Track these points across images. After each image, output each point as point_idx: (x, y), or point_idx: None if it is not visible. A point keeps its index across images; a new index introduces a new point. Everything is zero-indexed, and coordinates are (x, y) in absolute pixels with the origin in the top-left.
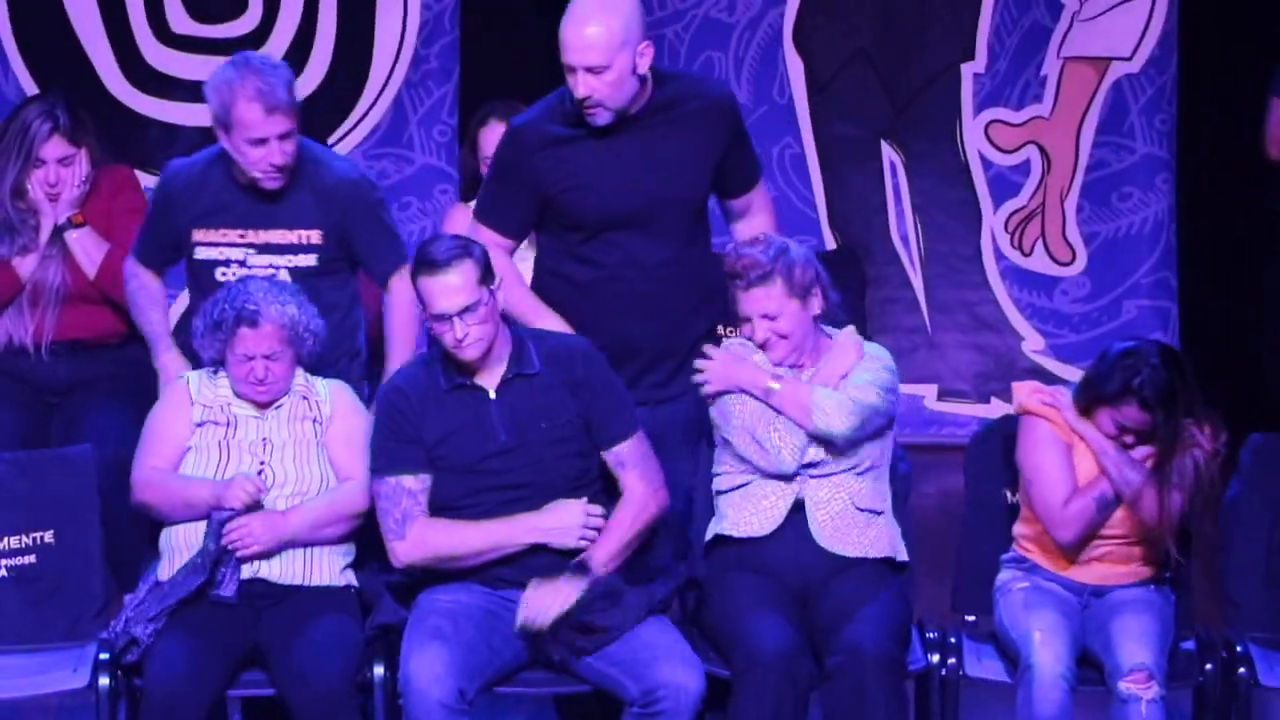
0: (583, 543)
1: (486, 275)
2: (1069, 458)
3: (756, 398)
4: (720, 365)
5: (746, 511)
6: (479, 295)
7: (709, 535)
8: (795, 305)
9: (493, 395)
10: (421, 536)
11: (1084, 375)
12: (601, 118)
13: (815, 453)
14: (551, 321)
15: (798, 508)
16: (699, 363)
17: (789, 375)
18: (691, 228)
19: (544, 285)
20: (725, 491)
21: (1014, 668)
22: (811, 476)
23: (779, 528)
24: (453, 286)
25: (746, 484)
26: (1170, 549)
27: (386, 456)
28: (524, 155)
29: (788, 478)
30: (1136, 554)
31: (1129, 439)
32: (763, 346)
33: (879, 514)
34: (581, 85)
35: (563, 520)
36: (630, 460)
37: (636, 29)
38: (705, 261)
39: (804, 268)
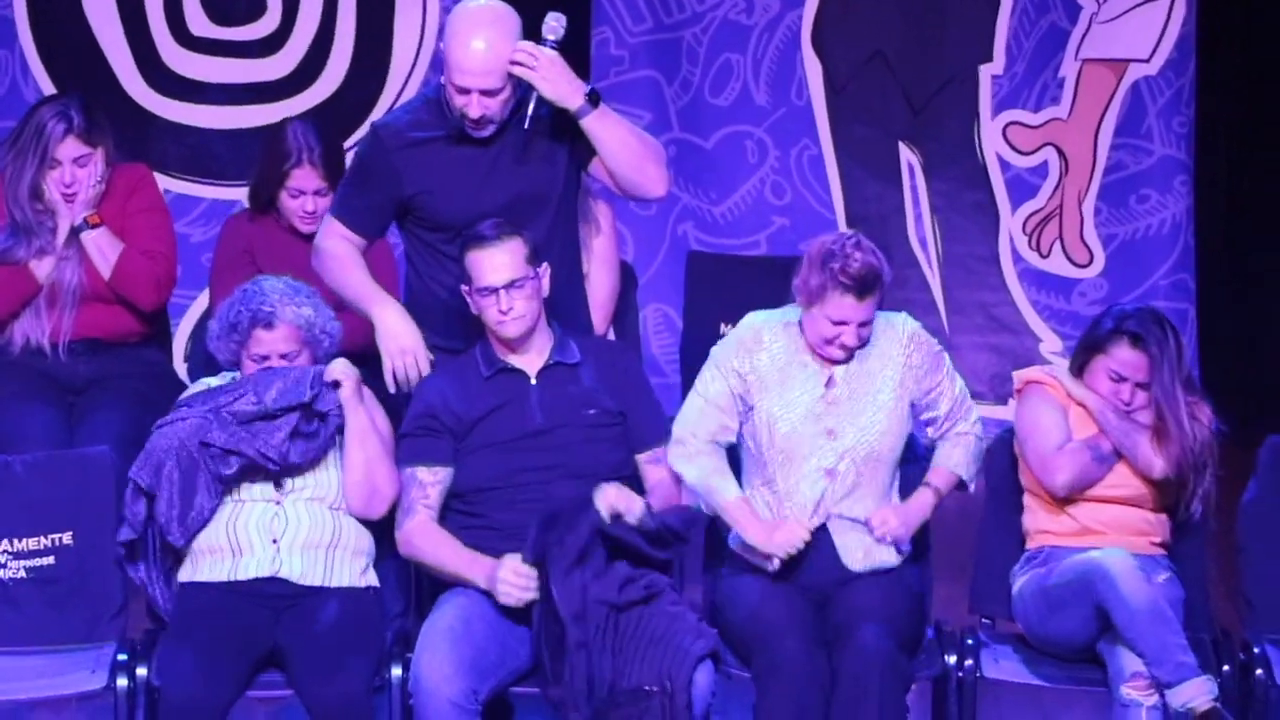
0: (520, 601)
1: (534, 256)
2: (1064, 415)
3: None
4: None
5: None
6: (526, 272)
7: (732, 544)
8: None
9: (533, 380)
10: (410, 535)
11: (1079, 336)
12: (488, 131)
13: (836, 505)
14: (391, 304)
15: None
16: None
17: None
18: (558, 228)
19: (415, 292)
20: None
21: (1039, 668)
22: (834, 516)
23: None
24: (500, 261)
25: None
26: (1180, 534)
27: (408, 448)
28: (384, 155)
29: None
30: (1145, 519)
31: (1124, 393)
32: (837, 352)
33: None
34: (477, 106)
35: (513, 578)
36: (663, 459)
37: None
38: (573, 264)
39: None
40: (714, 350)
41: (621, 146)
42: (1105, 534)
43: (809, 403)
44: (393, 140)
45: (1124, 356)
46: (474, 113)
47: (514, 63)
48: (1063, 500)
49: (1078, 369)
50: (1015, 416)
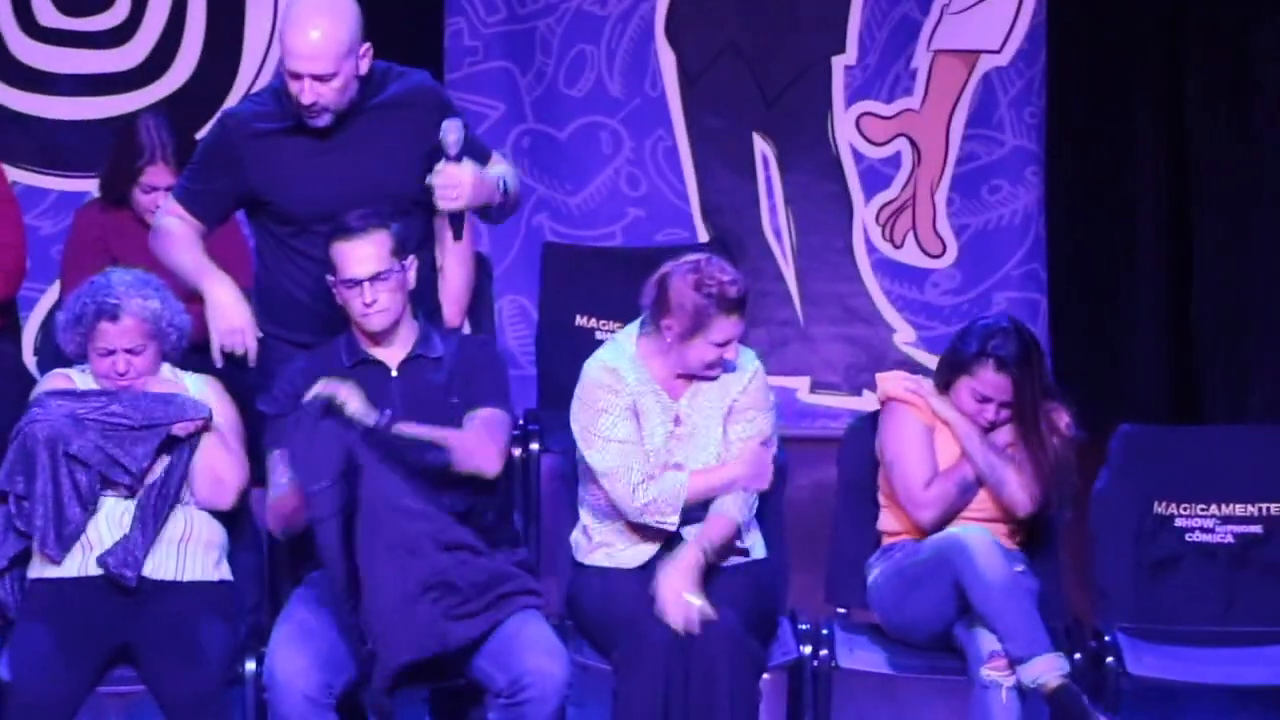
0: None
1: (400, 249)
2: (930, 441)
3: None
4: None
5: (619, 545)
6: (391, 265)
7: (582, 556)
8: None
9: (394, 373)
10: (277, 506)
11: (943, 352)
12: (323, 120)
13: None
14: (223, 280)
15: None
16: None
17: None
18: (409, 223)
19: (264, 287)
20: (600, 520)
21: (895, 658)
22: (685, 522)
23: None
24: (366, 253)
25: (620, 521)
26: (1036, 529)
27: (275, 430)
28: (229, 144)
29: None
30: (1001, 531)
31: (988, 413)
32: (719, 371)
33: (749, 528)
34: (308, 92)
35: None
36: (480, 418)
37: (359, 33)
38: (427, 259)
39: None
40: (582, 409)
41: (498, 212)
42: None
43: (660, 438)
44: (238, 129)
45: (989, 379)
46: (306, 99)
47: (438, 198)
48: None
49: (943, 385)
50: (879, 434)
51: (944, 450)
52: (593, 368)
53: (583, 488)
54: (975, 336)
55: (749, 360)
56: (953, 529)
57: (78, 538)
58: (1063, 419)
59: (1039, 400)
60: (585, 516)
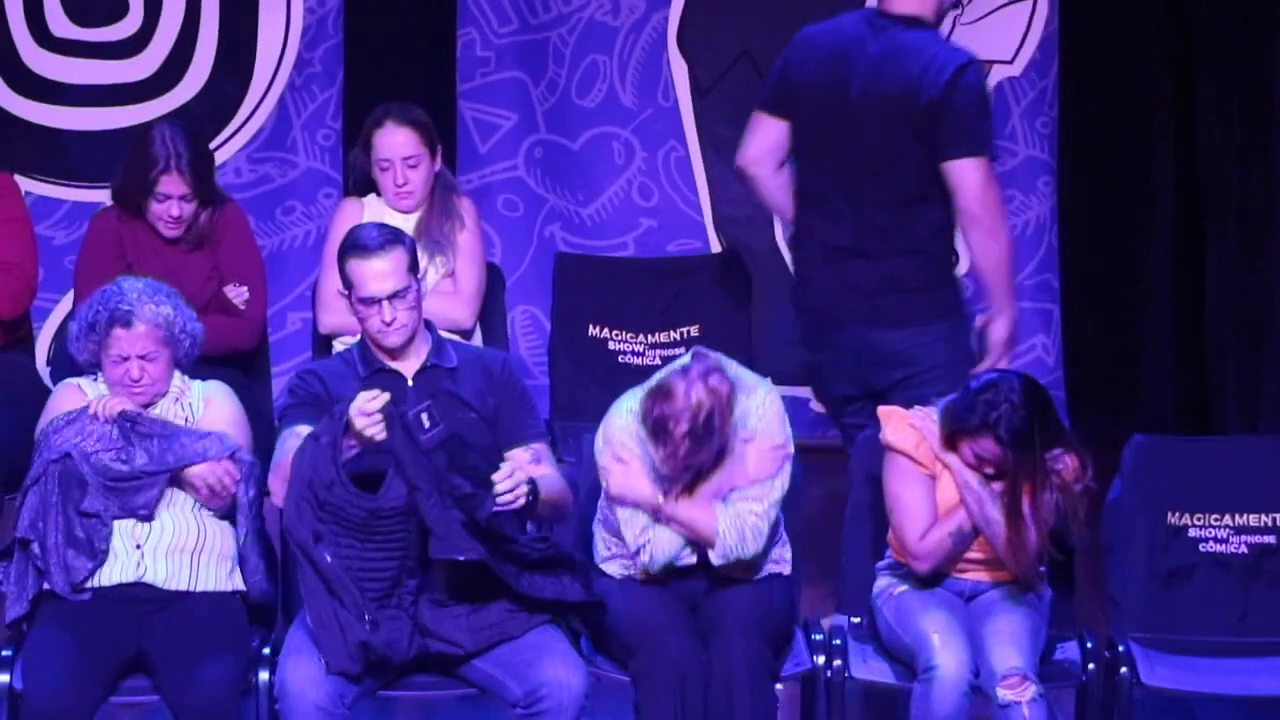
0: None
1: (415, 264)
2: (930, 491)
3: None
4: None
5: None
6: (408, 282)
7: (603, 562)
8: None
9: (410, 381)
10: (282, 464)
11: (947, 404)
12: None
13: None
14: None
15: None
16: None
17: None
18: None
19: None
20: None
21: (905, 669)
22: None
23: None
24: (384, 271)
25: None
26: (1033, 579)
27: (291, 415)
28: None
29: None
30: (1004, 571)
31: (988, 469)
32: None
33: (778, 541)
34: None
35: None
36: (544, 459)
37: None
38: None
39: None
40: (607, 446)
41: None
42: (966, 571)
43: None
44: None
45: (989, 448)
46: None
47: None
48: None
49: (946, 437)
50: (884, 479)
51: (946, 493)
52: (619, 418)
53: (605, 504)
54: (980, 405)
55: (757, 394)
56: (938, 660)
57: (86, 582)
58: (1070, 472)
59: (1040, 466)
60: (602, 532)
